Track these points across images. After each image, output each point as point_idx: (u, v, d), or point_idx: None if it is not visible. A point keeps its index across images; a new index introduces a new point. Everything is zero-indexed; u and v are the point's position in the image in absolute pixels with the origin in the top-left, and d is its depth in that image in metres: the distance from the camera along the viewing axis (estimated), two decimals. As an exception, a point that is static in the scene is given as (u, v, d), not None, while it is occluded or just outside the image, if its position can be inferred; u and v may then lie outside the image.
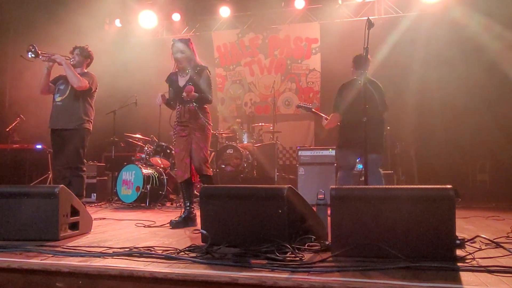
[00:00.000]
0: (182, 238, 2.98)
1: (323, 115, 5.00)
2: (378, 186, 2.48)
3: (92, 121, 4.65)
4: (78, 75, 4.44)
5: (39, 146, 7.50)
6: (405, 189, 2.36)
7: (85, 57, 4.72)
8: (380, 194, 2.28)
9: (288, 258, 2.13)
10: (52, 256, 2.30)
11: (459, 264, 2.05)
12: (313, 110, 5.29)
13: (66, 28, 7.23)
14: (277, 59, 9.24)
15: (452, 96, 7.07)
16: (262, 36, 9.31)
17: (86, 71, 4.72)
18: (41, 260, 2.19)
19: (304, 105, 5.28)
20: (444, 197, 2.15)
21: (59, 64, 4.41)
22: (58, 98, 4.53)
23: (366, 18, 3.58)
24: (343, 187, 2.46)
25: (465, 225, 3.73)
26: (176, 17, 9.25)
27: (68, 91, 4.50)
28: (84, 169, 4.59)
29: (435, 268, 1.95)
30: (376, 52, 6.62)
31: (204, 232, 2.57)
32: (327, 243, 2.43)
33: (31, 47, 4.30)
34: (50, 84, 4.57)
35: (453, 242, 2.12)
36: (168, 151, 6.38)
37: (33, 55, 4.29)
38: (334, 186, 2.35)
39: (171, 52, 4.22)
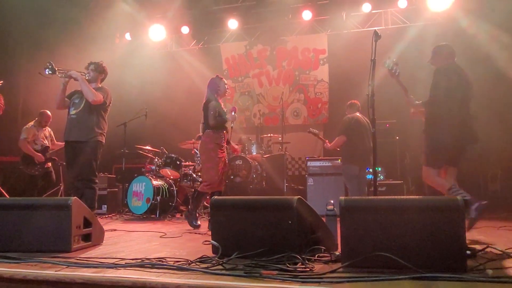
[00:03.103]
0: (193, 249, 3.01)
1: (326, 140, 5.84)
2: (388, 197, 2.49)
3: (104, 134, 4.72)
4: (93, 90, 4.53)
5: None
6: (414, 200, 2.37)
7: (100, 72, 4.81)
8: (389, 205, 2.29)
9: (299, 269, 2.14)
10: (66, 267, 2.34)
11: (470, 275, 2.05)
12: (320, 137, 6.13)
13: (78, 42, 7.39)
14: (285, 70, 9.31)
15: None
16: (270, 48, 9.39)
17: (100, 86, 4.81)
18: (55, 271, 2.23)
19: (313, 131, 6.07)
20: (453, 208, 2.15)
21: (75, 79, 4.51)
22: (72, 112, 4.62)
23: (373, 29, 3.62)
24: (353, 198, 2.48)
25: (476, 236, 3.70)
26: (185, 30, 9.38)
27: (82, 105, 4.59)
28: (97, 181, 4.65)
29: (445, 278, 1.95)
30: (383, 61, 6.64)
31: (215, 243, 2.59)
32: (337, 253, 2.44)
33: (48, 64, 4.40)
34: (65, 99, 4.67)
35: (464, 252, 2.12)
36: (178, 162, 6.43)
37: (50, 72, 4.40)
38: (343, 197, 2.36)
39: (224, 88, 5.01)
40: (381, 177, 6.37)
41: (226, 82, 5.03)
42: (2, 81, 5.00)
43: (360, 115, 5.64)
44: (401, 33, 8.06)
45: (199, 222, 4.65)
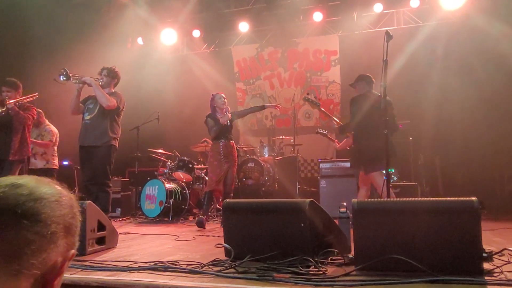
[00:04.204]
0: (206, 252, 3.01)
1: (335, 140, 5.76)
2: (402, 199, 2.47)
3: (118, 138, 4.77)
4: (107, 95, 4.58)
5: (65, 163, 7.72)
6: (428, 202, 2.34)
7: (113, 77, 4.86)
8: (403, 207, 2.27)
9: (311, 272, 2.13)
10: (81, 271, 2.37)
11: (486, 277, 2.01)
12: (329, 137, 5.97)
13: (91, 47, 7.48)
14: (297, 72, 9.29)
15: (473, 105, 6.94)
16: (281, 50, 9.39)
17: (113, 90, 4.86)
18: (70, 274, 2.26)
19: (321, 132, 5.97)
20: (468, 209, 2.12)
21: (89, 85, 4.56)
22: (87, 117, 4.69)
23: (385, 29, 3.59)
24: (366, 200, 2.46)
25: (493, 238, 3.64)
26: (196, 33, 9.43)
27: (96, 110, 4.65)
28: (110, 184, 4.70)
29: (461, 281, 1.92)
30: (395, 61, 6.60)
31: (228, 246, 2.59)
32: (350, 256, 2.42)
33: (62, 71, 4.46)
34: (80, 104, 4.73)
35: (480, 255, 2.09)
36: (190, 165, 6.46)
37: (64, 78, 4.46)
38: (356, 199, 2.35)
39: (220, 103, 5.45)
40: (395, 178, 6.31)
41: (222, 95, 5.52)
42: (36, 94, 5.08)
43: None
44: (413, 32, 7.98)
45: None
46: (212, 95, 5.54)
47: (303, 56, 9.23)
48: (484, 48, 7.09)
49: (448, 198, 2.25)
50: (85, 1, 7.93)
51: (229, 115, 5.35)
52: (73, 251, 0.81)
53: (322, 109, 5.24)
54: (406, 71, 7.02)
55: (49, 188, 0.77)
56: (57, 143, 6.25)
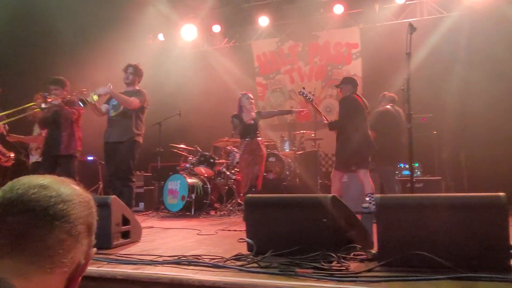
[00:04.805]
0: (228, 247, 3.04)
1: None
2: (426, 194, 2.43)
3: (142, 134, 4.86)
4: (127, 98, 4.66)
5: (90, 158, 7.89)
6: (454, 197, 2.30)
7: (138, 75, 4.95)
8: (428, 202, 2.24)
9: (334, 268, 2.13)
10: (107, 264, 2.42)
11: (514, 275, 1.97)
12: None
13: (112, 44, 7.59)
14: (317, 65, 9.21)
15: (499, 98, 6.74)
16: (302, 44, 9.32)
17: (137, 88, 4.93)
18: (97, 267, 2.32)
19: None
20: (496, 205, 2.07)
21: (107, 94, 4.65)
22: (112, 114, 4.80)
23: (408, 20, 3.53)
24: (389, 195, 2.43)
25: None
26: (216, 28, 9.45)
27: (121, 108, 4.76)
28: (134, 179, 4.79)
29: (487, 279, 1.89)
30: (416, 53, 6.45)
31: (250, 241, 2.61)
32: (373, 252, 2.40)
33: (79, 101, 4.59)
34: (102, 106, 4.86)
35: (507, 252, 2.04)
36: (212, 160, 6.51)
37: (82, 105, 4.60)
38: (379, 195, 2.33)
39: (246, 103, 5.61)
40: (418, 173, 6.20)
41: (249, 95, 5.69)
42: (85, 90, 5.21)
43: (392, 108, 5.48)
44: (435, 23, 7.78)
45: None
46: (240, 94, 5.72)
47: (324, 49, 9.14)
48: (511, 38, 6.87)
49: (475, 194, 2.20)
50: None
51: (253, 114, 5.50)
52: (94, 250, 0.85)
53: (314, 105, 5.27)
54: (428, 63, 6.87)
55: (71, 189, 0.79)
56: None
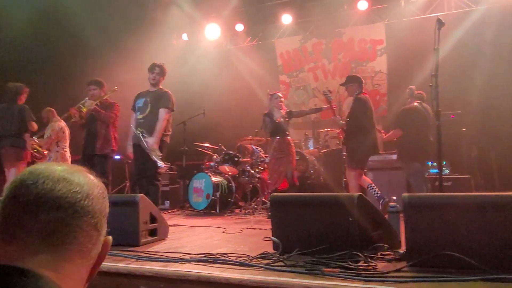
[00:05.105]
0: (254, 245, 3.05)
1: (382, 131, 5.77)
2: (456, 194, 2.37)
3: (169, 135, 4.95)
4: (161, 127, 4.76)
5: (117, 157, 8.05)
6: (484, 196, 2.24)
7: (163, 75, 5.04)
8: (458, 202, 2.19)
9: (361, 267, 2.11)
10: (135, 261, 2.48)
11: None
12: (380, 130, 5.86)
13: (137, 45, 7.73)
14: (341, 63, 9.12)
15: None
16: (325, 41, 9.24)
17: (163, 89, 5.02)
18: (126, 264, 2.37)
19: None
20: (530, 205, 2.01)
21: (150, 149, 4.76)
22: (139, 116, 4.91)
23: (435, 15, 3.46)
24: (417, 194, 2.39)
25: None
26: (239, 27, 9.48)
27: (148, 110, 4.86)
28: (160, 178, 4.87)
29: (522, 280, 1.83)
30: (442, 48, 6.27)
31: (275, 239, 2.61)
32: (400, 252, 2.37)
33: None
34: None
35: (542, 253, 1.98)
36: (236, 159, 6.54)
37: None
38: (407, 194, 2.29)
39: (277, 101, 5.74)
40: (446, 171, 6.05)
41: (278, 94, 5.86)
42: (116, 88, 5.43)
43: (419, 105, 5.36)
44: (461, 18, 7.56)
45: None
46: (270, 94, 5.87)
47: (348, 46, 9.04)
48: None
49: (506, 193, 2.14)
50: (132, -1, 8.18)
51: (282, 112, 5.61)
52: (110, 238, 0.86)
53: (333, 106, 5.30)
54: (453, 58, 6.67)
55: (89, 180, 0.81)
56: (64, 140, 6.30)
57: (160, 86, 5.04)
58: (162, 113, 4.81)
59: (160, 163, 4.66)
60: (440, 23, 3.30)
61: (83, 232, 0.76)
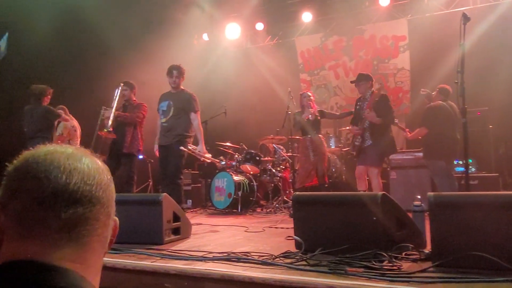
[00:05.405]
0: (276, 244, 3.05)
1: (406, 130, 5.62)
2: (483, 193, 2.31)
3: (192, 136, 5.04)
4: (202, 133, 5.07)
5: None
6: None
7: (182, 75, 5.11)
8: (485, 201, 2.14)
9: (385, 267, 2.08)
10: (160, 259, 2.51)
11: None
12: (399, 125, 5.81)
13: (159, 46, 7.80)
14: (363, 60, 9.01)
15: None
16: (346, 38, 9.14)
17: (186, 90, 5.10)
18: (151, 262, 2.41)
19: None
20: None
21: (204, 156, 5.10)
22: (163, 120, 5.06)
23: (459, 10, 3.38)
24: (443, 194, 2.34)
25: None
26: (260, 26, 9.48)
27: (171, 113, 4.96)
28: (182, 177, 4.96)
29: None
30: (456, 44, 6.11)
31: (298, 238, 2.61)
32: (426, 252, 2.33)
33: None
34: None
35: None
36: (257, 158, 6.55)
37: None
38: (432, 193, 2.25)
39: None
40: (473, 169, 5.91)
41: (308, 93, 6.00)
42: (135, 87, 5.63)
43: (445, 103, 5.24)
44: (486, 11, 7.35)
45: None
46: (300, 94, 6.05)
47: (369, 43, 8.92)
48: None
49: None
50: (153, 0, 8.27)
51: (310, 110, 5.70)
52: (117, 219, 0.84)
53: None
54: (478, 54, 6.49)
55: (95, 165, 0.79)
56: (76, 138, 6.38)
57: (182, 87, 5.11)
58: (195, 118, 5.01)
59: (218, 161, 4.84)
60: (465, 18, 3.23)
61: (99, 222, 0.76)
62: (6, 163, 0.76)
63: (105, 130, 5.20)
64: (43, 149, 0.77)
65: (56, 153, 0.76)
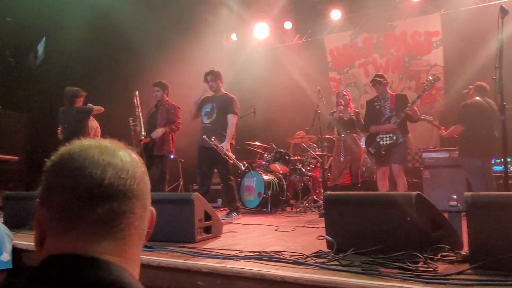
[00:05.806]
0: (307, 243, 3.04)
1: (441, 127, 5.41)
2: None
3: (234, 136, 5.21)
4: (231, 133, 5.04)
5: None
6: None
7: (218, 78, 5.18)
8: (526, 201, 2.05)
9: (421, 268, 2.04)
10: (192, 257, 2.55)
11: None
12: (434, 123, 5.83)
13: (189, 47, 7.91)
14: (394, 57, 8.82)
15: None
16: (376, 35, 8.97)
17: (227, 94, 5.18)
18: (184, 260, 2.45)
19: (426, 118, 5.58)
20: None
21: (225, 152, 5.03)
22: (206, 121, 5.12)
23: (495, 3, 3.26)
24: (481, 194, 2.27)
25: None
26: (288, 25, 9.45)
27: (215, 115, 5.05)
28: (232, 178, 5.19)
29: None
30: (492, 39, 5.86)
31: (330, 238, 2.59)
32: (463, 253, 2.26)
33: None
34: (198, 111, 5.27)
35: None
36: (287, 157, 6.54)
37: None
38: (469, 193, 2.18)
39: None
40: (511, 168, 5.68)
41: (342, 92, 5.96)
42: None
43: (482, 100, 5.06)
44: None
45: None
46: (336, 92, 6.20)
47: (401, 39, 8.73)
48: None
49: None
50: (182, 1, 8.38)
51: (341, 107, 5.69)
52: (153, 210, 0.85)
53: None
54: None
55: (129, 158, 0.79)
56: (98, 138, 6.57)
57: (224, 91, 5.17)
58: (231, 119, 5.05)
59: (240, 165, 4.99)
60: (503, 11, 3.11)
61: (136, 215, 0.77)
62: (45, 159, 0.78)
63: (142, 137, 5.34)
64: (77, 145, 0.78)
65: (90, 148, 0.77)
